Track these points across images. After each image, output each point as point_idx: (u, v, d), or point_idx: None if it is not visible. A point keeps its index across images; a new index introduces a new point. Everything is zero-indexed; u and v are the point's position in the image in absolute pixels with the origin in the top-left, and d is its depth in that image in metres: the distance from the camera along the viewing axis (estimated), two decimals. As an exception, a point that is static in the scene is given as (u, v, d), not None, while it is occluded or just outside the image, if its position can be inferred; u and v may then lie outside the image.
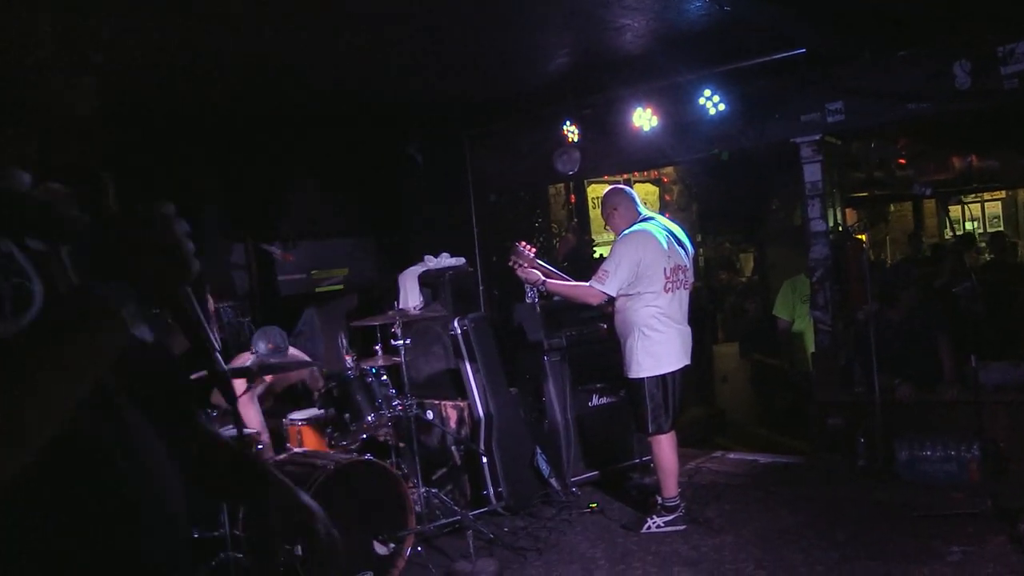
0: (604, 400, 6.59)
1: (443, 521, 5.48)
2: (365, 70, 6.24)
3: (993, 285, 8.23)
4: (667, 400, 5.45)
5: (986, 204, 15.96)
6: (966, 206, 15.60)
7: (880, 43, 6.43)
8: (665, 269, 5.41)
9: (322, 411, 5.27)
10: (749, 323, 9.32)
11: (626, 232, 5.52)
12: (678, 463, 5.64)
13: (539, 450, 6.25)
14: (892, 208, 15.38)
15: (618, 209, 5.65)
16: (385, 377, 5.48)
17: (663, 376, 5.43)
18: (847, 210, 9.61)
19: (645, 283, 5.37)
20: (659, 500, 5.59)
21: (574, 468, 6.42)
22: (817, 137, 6.83)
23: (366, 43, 5.65)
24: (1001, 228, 15.77)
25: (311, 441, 5.18)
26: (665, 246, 5.46)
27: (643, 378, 5.42)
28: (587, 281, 5.52)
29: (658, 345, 5.40)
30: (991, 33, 6.07)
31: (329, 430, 5.19)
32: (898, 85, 6.47)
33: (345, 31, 5.33)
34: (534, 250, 5.85)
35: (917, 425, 6.29)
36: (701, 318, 10.12)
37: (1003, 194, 16.00)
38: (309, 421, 5.26)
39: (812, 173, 6.89)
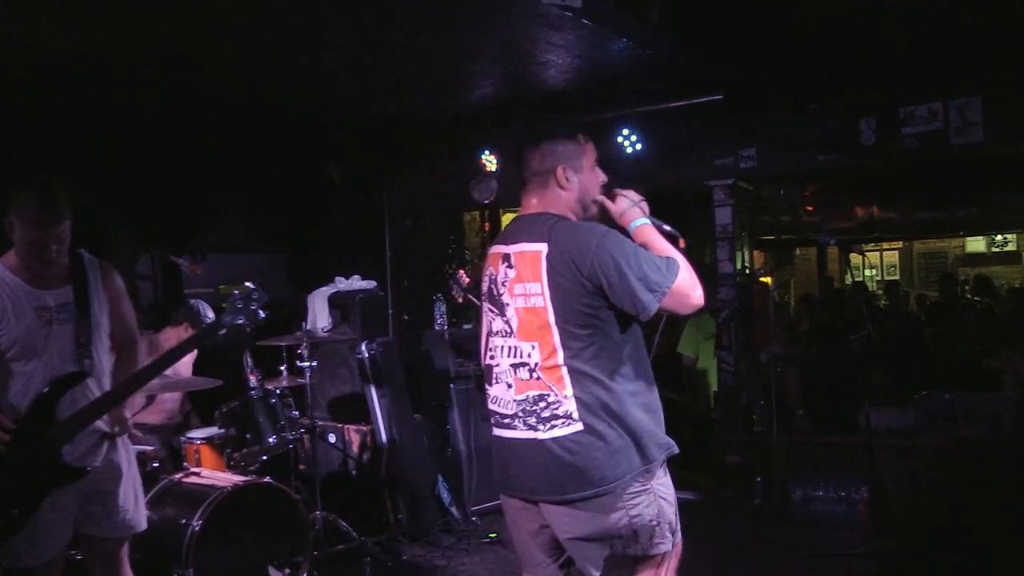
0: (509, 430, 6.59)
1: (341, 547, 5.40)
2: (288, 87, 6.18)
3: (887, 333, 8.54)
4: None
5: (884, 253, 16.61)
6: (866, 254, 16.20)
7: (794, 95, 6.66)
8: None
9: (222, 430, 5.16)
10: (654, 358, 9.42)
11: None
12: None
13: (441, 478, 6.22)
14: (798, 252, 15.89)
15: None
16: (289, 398, 5.40)
17: None
18: (755, 252, 9.86)
19: None
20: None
21: (475, 497, 6.40)
22: (730, 182, 7.03)
23: (291, 61, 5.61)
24: (897, 277, 16.42)
25: (209, 461, 5.06)
26: None
27: None
28: None
29: None
30: (895, 95, 6.37)
31: (228, 450, 5.08)
32: (809, 136, 6.72)
33: (269, 46, 5.27)
34: (469, 280, 5.88)
35: (813, 466, 6.47)
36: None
37: (900, 245, 16.68)
38: (208, 440, 5.13)
39: (723, 216, 7.07)
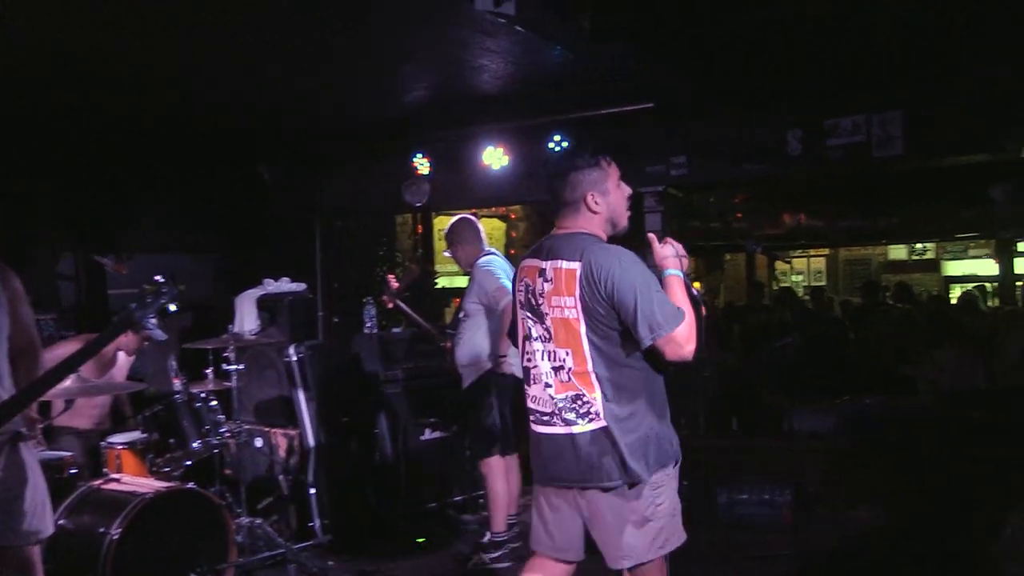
0: (437, 435, 6.57)
1: (267, 554, 5.33)
2: (220, 86, 6.09)
3: (811, 338, 8.72)
4: (505, 424, 5.50)
5: (811, 260, 16.96)
6: (793, 261, 16.54)
7: (724, 104, 6.77)
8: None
9: (145, 435, 5.05)
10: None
11: (485, 259, 5.58)
12: (509, 498, 5.66)
13: (369, 483, 6.18)
14: (728, 257, 16.15)
15: (465, 241, 5.69)
16: (215, 402, 5.31)
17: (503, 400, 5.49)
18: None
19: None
20: (488, 535, 5.61)
21: (403, 502, 6.37)
22: (660, 188, 7.10)
23: (222, 61, 5.53)
24: (823, 283, 16.79)
25: (131, 466, 4.95)
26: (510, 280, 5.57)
27: (491, 399, 5.46)
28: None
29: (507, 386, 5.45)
30: (820, 107, 6.52)
31: (151, 456, 4.98)
32: (738, 146, 6.83)
33: (201, 45, 5.19)
34: (397, 285, 5.86)
35: (738, 470, 6.57)
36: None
37: (827, 251, 17.05)
38: (130, 445, 5.02)
39: (653, 223, 7.15)
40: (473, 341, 5.54)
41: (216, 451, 5.26)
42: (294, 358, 6.18)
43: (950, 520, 5.61)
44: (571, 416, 3.13)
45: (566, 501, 3.24)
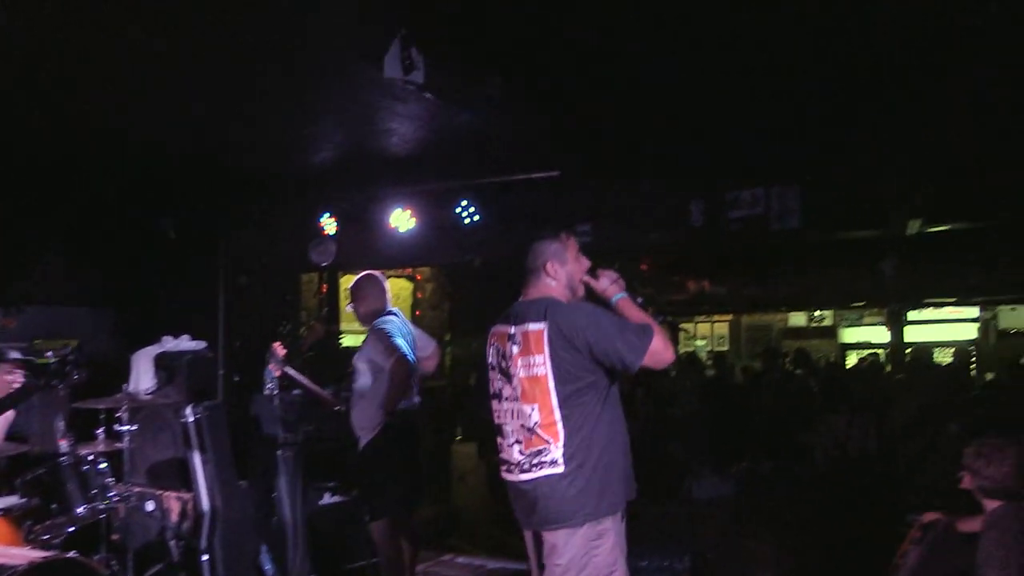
0: (336, 499, 6.46)
1: (152, 625, 5.13)
2: (122, 136, 5.99)
3: (712, 404, 8.87)
4: (399, 486, 5.40)
5: (715, 325, 17.33)
6: (697, 325, 16.87)
7: (629, 174, 6.93)
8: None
9: (24, 500, 4.82)
10: (488, 424, 9.47)
11: (383, 319, 5.50)
12: (403, 564, 5.52)
13: (265, 548, 6.01)
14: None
15: (368, 298, 5.63)
16: (104, 464, 5.12)
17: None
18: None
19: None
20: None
21: (300, 568, 6.20)
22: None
23: (125, 110, 5.45)
24: (726, 348, 17.14)
25: (5, 535, 4.67)
26: (410, 340, 5.52)
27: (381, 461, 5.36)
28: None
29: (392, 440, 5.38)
30: (722, 180, 6.73)
31: (29, 523, 4.74)
32: (642, 214, 7.00)
33: (101, 92, 5.11)
34: (284, 351, 5.77)
35: (635, 535, 6.59)
36: (443, 416, 10.25)
37: (730, 317, 17.45)
38: (5, 512, 4.77)
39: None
40: (364, 402, 5.48)
41: (103, 516, 5.05)
42: (191, 419, 6.00)
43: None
44: (530, 466, 3.46)
45: (534, 542, 3.61)
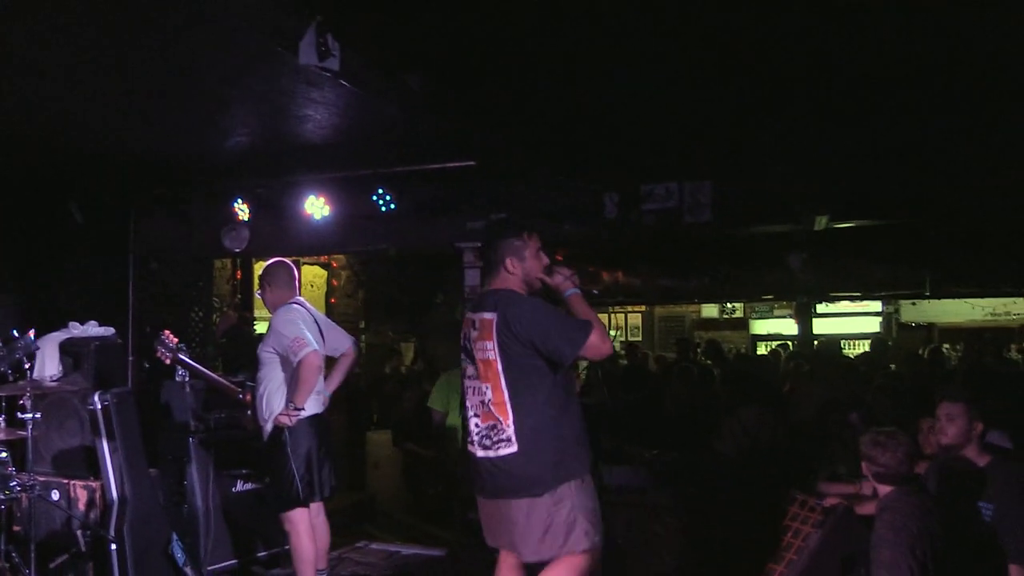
0: (249, 486, 6.41)
1: (56, 616, 5.04)
2: (27, 118, 5.84)
3: (627, 394, 9.00)
4: (308, 474, 5.40)
5: (629, 315, 17.59)
6: (612, 315, 17.10)
7: (545, 166, 7.00)
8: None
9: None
10: (404, 412, 9.50)
11: (287, 307, 5.51)
12: (315, 552, 5.53)
13: (176, 536, 5.94)
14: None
15: (276, 285, 5.64)
16: (5, 454, 5.02)
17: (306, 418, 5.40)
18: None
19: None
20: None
21: (212, 556, 6.15)
22: (480, 245, 7.23)
23: (31, 93, 5.31)
24: (640, 338, 17.41)
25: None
26: (315, 329, 5.54)
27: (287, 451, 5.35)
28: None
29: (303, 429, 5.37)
30: (637, 173, 6.84)
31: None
32: (557, 206, 7.07)
33: (7, 76, 4.98)
34: (176, 340, 5.70)
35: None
36: (357, 403, 10.22)
37: (643, 308, 17.72)
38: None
39: (472, 278, 7.27)
40: (269, 392, 5.45)
41: (3, 507, 4.95)
42: (99, 406, 5.89)
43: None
44: (488, 443, 3.91)
45: (495, 509, 4.01)
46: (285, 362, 5.36)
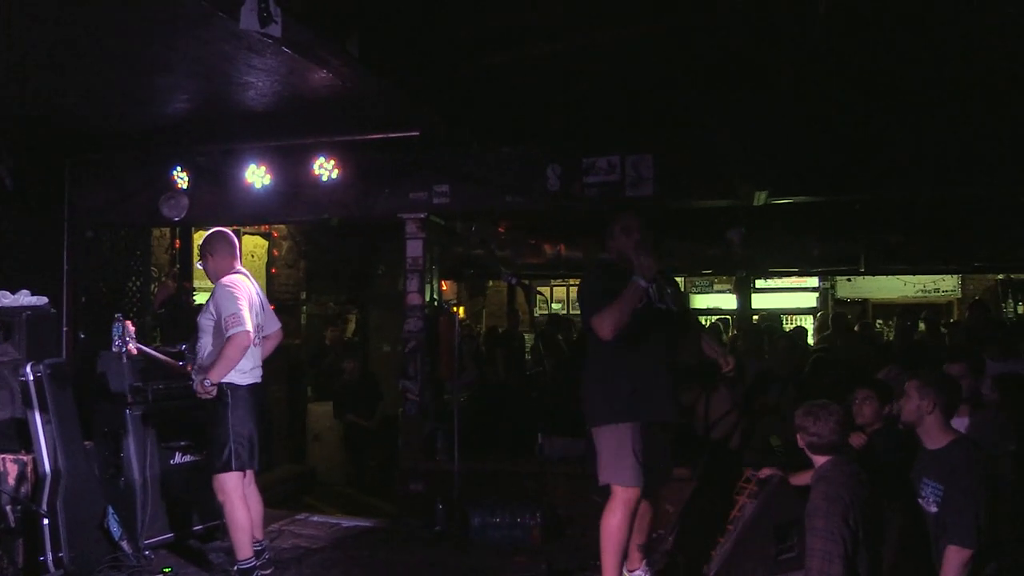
0: (188, 458, 6.34)
1: (-14, 593, 4.95)
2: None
3: (568, 367, 9.05)
4: (243, 441, 5.37)
5: (571, 289, 17.63)
6: (553, 289, 17.16)
7: (487, 137, 6.98)
8: (256, 325, 5.47)
9: None
10: (345, 384, 9.46)
11: (231, 279, 5.46)
12: (250, 520, 5.52)
13: (112, 510, 5.86)
14: (491, 284, 16.52)
15: (218, 255, 5.59)
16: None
17: (243, 387, 5.39)
18: (444, 283, 10.15)
19: None
20: (236, 567, 5.46)
21: (150, 530, 6.08)
22: (422, 215, 7.22)
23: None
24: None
25: None
26: (257, 303, 5.52)
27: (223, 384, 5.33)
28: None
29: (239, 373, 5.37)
30: (579, 146, 6.86)
31: None
32: (499, 177, 7.07)
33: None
34: (134, 328, 5.61)
35: (490, 493, 6.75)
36: (298, 375, 10.16)
37: (586, 281, 17.76)
38: None
39: (414, 249, 7.26)
40: (209, 358, 5.41)
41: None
42: (31, 377, 5.77)
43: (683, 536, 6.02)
44: None
45: None
46: (222, 334, 5.32)
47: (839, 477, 4.27)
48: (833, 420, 4.32)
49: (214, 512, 6.34)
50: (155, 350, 6.34)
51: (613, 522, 4.85)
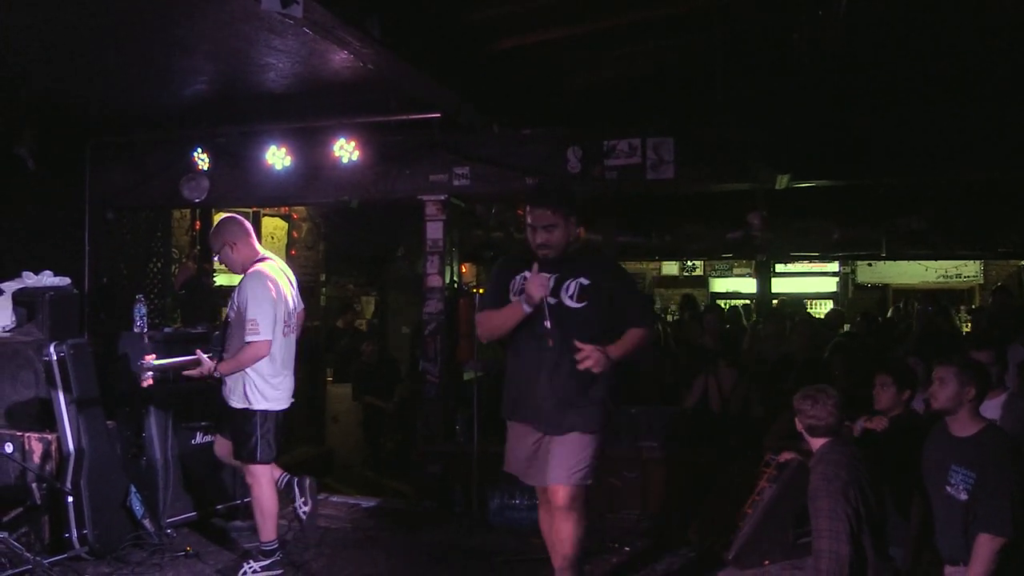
0: (208, 439, 6.36)
1: (11, 572, 4.97)
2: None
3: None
4: (276, 435, 5.33)
5: (589, 271, 17.60)
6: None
7: (508, 120, 6.96)
8: (286, 313, 5.31)
9: None
10: (364, 365, 9.48)
11: (254, 272, 5.24)
12: (278, 505, 5.52)
13: (134, 489, 5.91)
14: (509, 266, 16.48)
15: (237, 244, 5.33)
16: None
17: (275, 412, 5.29)
18: (464, 265, 10.14)
19: None
20: (258, 544, 5.49)
21: (171, 509, 6.14)
22: (443, 197, 7.22)
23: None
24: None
25: None
26: (285, 290, 5.35)
27: (255, 410, 5.24)
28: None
29: (271, 389, 5.28)
30: (600, 128, 6.83)
31: None
32: (520, 160, 7.04)
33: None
34: (150, 381, 5.53)
35: (508, 475, 6.74)
36: (317, 357, 10.19)
37: (605, 264, 17.70)
38: None
39: (434, 231, 7.25)
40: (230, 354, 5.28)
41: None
42: (54, 357, 5.82)
43: (702, 519, 6.02)
44: None
45: None
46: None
47: (837, 458, 4.34)
48: (831, 403, 4.41)
49: (235, 492, 6.40)
50: (174, 331, 6.35)
51: None
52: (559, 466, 4.25)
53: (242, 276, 5.29)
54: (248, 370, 5.17)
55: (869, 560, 4.21)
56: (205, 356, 5.22)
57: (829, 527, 4.15)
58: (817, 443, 4.47)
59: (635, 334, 4.25)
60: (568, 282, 4.28)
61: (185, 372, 5.27)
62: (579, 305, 4.26)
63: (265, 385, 5.22)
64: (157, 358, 5.90)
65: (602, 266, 4.50)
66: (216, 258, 5.57)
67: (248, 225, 5.50)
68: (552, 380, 4.24)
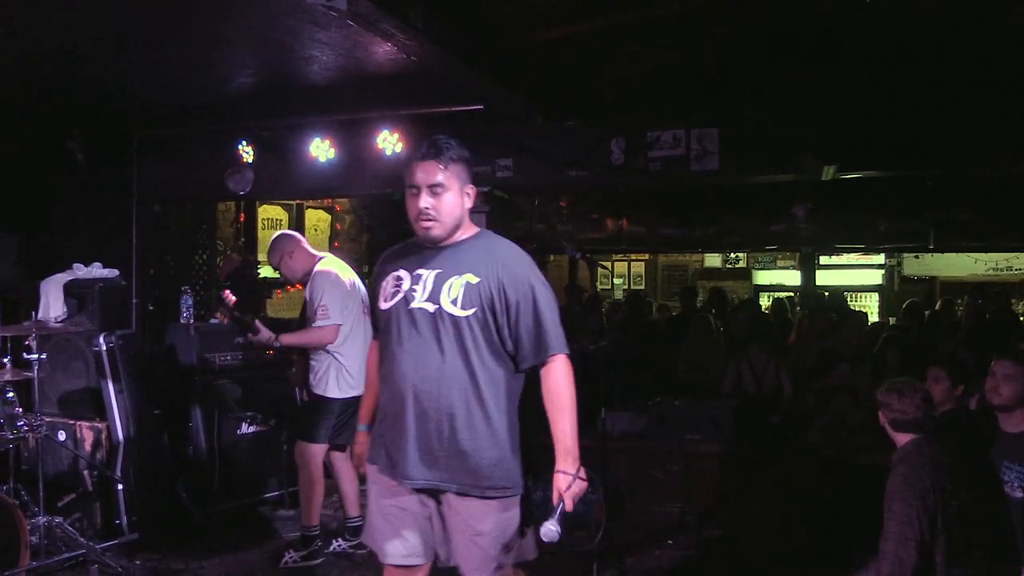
0: (253, 429, 6.45)
1: (66, 555, 5.08)
2: (28, 56, 5.75)
3: (628, 342, 9.01)
4: (340, 422, 5.41)
5: (632, 264, 17.56)
6: (614, 263, 17.08)
7: (551, 111, 6.93)
8: (363, 300, 5.42)
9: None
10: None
11: (319, 271, 5.45)
12: (322, 494, 5.57)
13: (181, 478, 6.00)
14: (551, 258, 16.49)
15: (294, 254, 5.58)
16: (11, 394, 5.04)
17: (348, 399, 5.37)
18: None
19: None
20: (300, 533, 5.54)
21: (217, 497, 6.22)
22: (485, 189, 7.20)
23: (32, 29, 5.23)
24: (643, 287, 17.41)
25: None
26: (355, 279, 5.55)
27: (330, 398, 5.37)
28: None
29: (350, 378, 5.36)
30: (644, 119, 6.78)
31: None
32: (562, 151, 7.01)
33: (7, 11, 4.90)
34: (233, 299, 5.63)
35: (552, 467, 6.73)
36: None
37: (647, 256, 17.69)
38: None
39: (478, 222, 7.22)
40: (320, 359, 5.44)
41: (11, 446, 4.99)
42: (104, 347, 5.93)
43: (747, 514, 5.97)
44: None
45: None
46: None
47: (919, 459, 4.04)
48: (919, 396, 4.12)
49: (281, 481, 6.46)
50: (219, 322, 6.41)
51: None
52: None
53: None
54: (338, 357, 5.35)
55: (938, 571, 3.97)
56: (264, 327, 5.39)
57: (898, 530, 3.88)
58: (902, 439, 4.18)
59: (558, 376, 3.30)
60: (451, 279, 3.20)
61: (249, 335, 5.40)
62: (466, 313, 3.19)
63: (348, 376, 5.35)
64: (204, 348, 5.99)
65: (502, 259, 3.27)
66: (280, 272, 5.75)
67: (298, 236, 5.74)
68: (424, 413, 3.20)
